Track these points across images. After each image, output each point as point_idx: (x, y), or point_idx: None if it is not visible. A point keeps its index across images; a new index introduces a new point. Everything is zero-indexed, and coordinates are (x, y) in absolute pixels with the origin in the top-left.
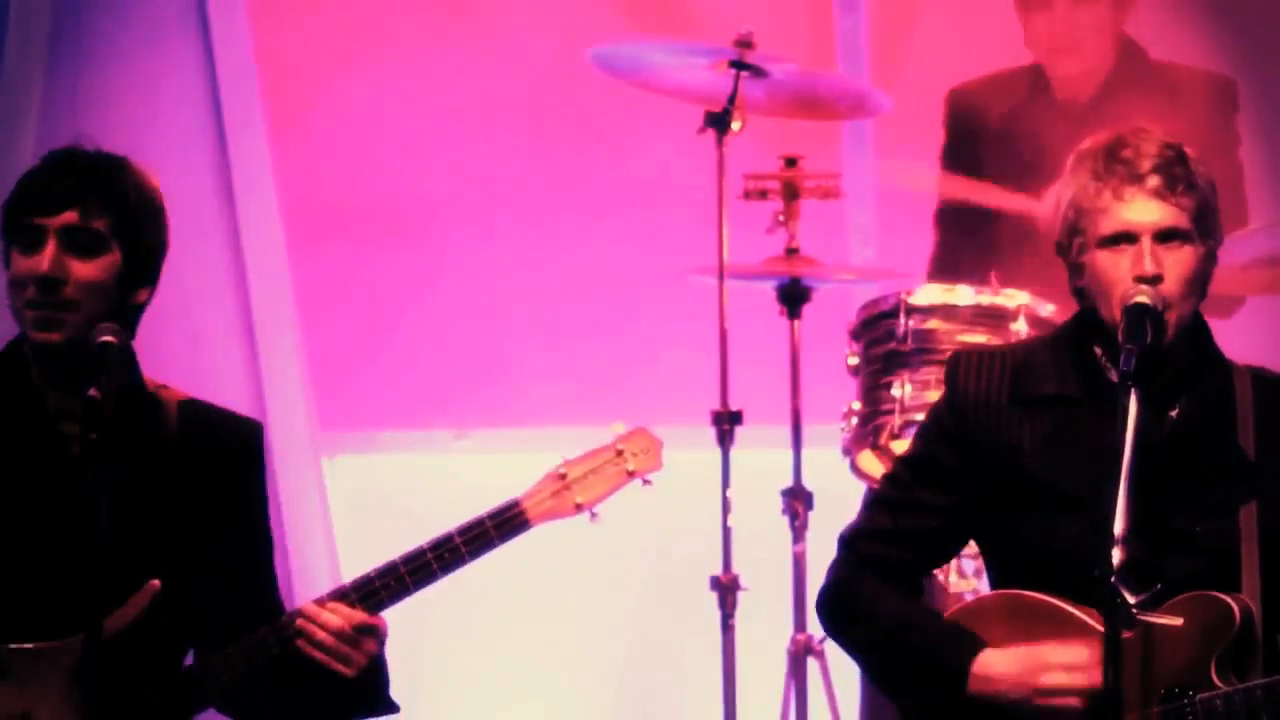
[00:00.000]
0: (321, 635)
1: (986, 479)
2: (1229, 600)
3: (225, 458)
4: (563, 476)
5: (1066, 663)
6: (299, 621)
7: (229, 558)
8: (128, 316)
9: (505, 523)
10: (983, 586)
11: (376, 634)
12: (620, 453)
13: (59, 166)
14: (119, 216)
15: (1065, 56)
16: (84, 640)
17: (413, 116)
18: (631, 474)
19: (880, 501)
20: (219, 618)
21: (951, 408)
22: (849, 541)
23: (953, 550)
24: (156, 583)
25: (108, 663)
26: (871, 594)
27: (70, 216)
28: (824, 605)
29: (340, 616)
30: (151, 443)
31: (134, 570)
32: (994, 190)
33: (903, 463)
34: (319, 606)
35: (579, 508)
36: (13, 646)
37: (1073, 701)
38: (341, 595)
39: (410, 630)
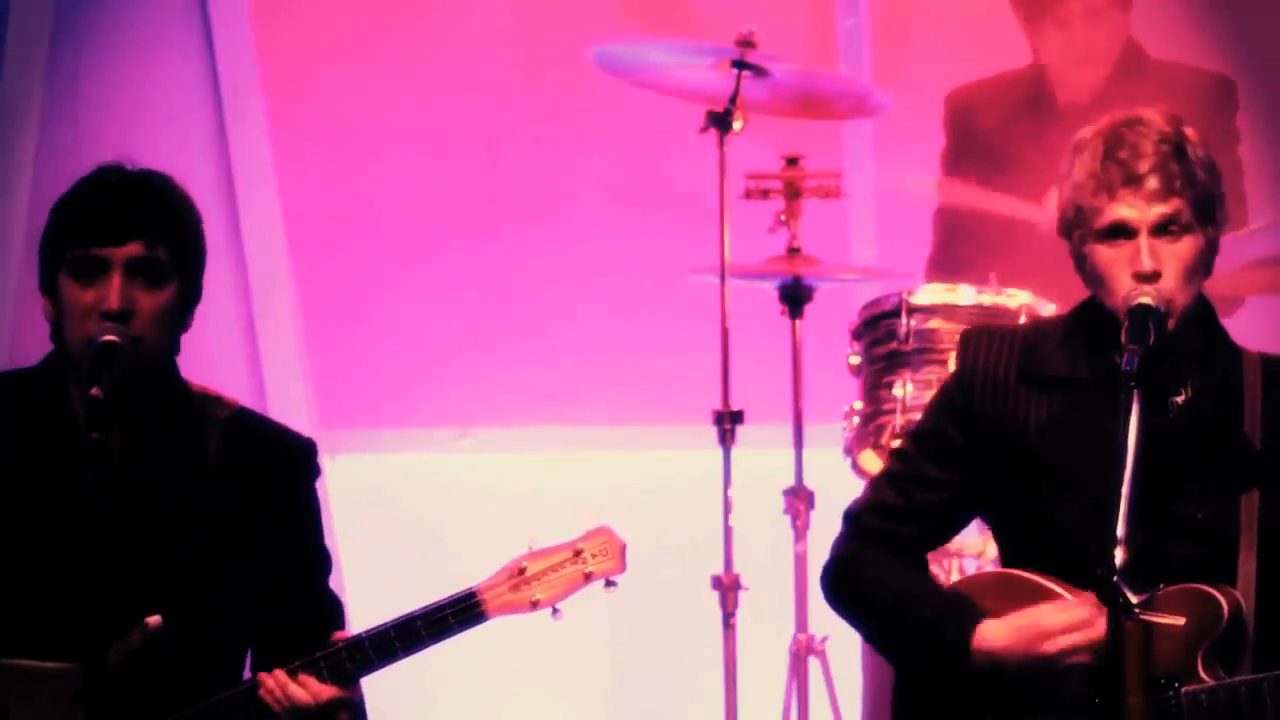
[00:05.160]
0: (287, 706)
1: (992, 456)
2: (1219, 595)
3: (269, 476)
4: (522, 570)
5: (1065, 623)
6: (262, 692)
7: (273, 580)
8: (179, 339)
9: (463, 612)
10: None
11: (347, 706)
12: (579, 553)
13: (115, 192)
14: (178, 244)
15: (1079, 68)
16: (84, 669)
17: (415, 116)
18: (589, 576)
19: (887, 477)
20: (268, 640)
21: (960, 383)
22: (854, 517)
23: (959, 525)
24: (157, 619)
25: (101, 696)
26: (875, 568)
27: (135, 248)
28: (827, 579)
29: (308, 691)
30: (191, 460)
31: (159, 593)
32: (996, 197)
33: (911, 438)
34: (288, 678)
35: (535, 605)
36: (18, 663)
37: (1081, 659)
38: (311, 665)
39: None
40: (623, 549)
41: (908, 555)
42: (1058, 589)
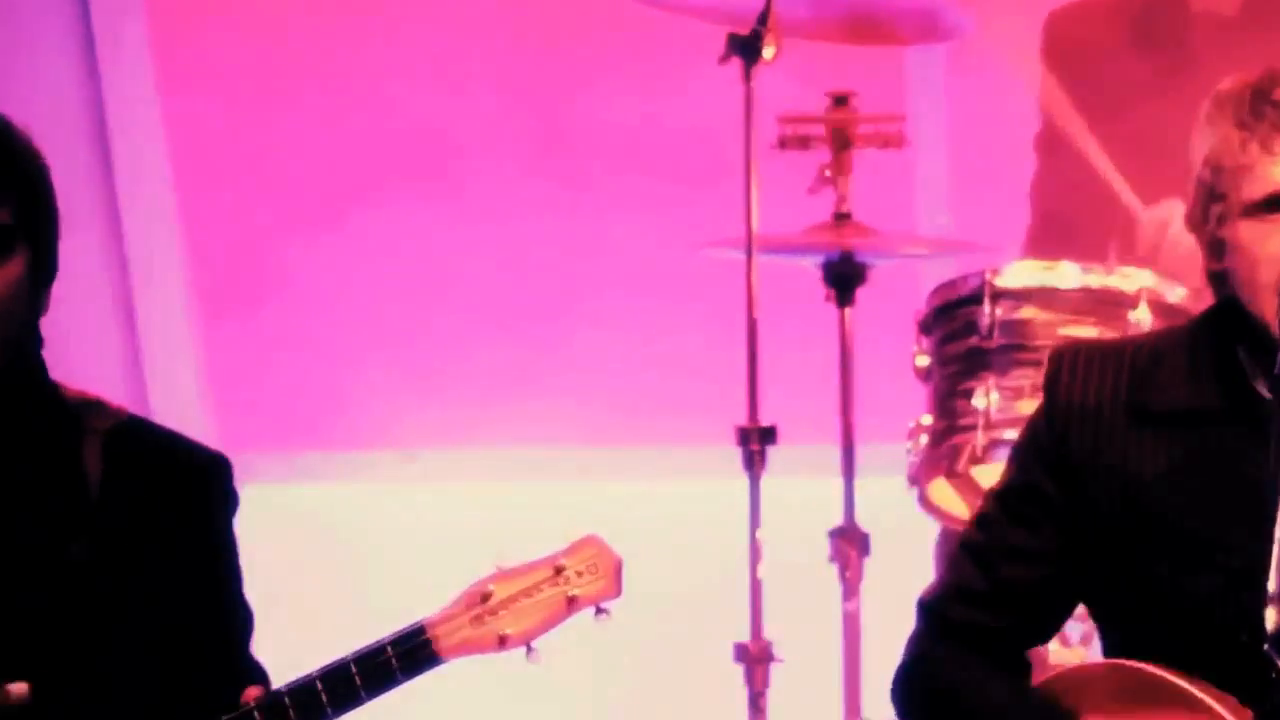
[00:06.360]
0: None
1: (1096, 515)
2: None
3: (167, 504)
4: (486, 597)
5: None
6: None
7: (176, 639)
8: (36, 325)
9: (408, 654)
10: (1092, 658)
11: None
12: (560, 570)
13: None
14: (25, 204)
15: None
16: None
17: (348, 46)
18: (573, 602)
19: (967, 551)
20: (178, 702)
21: (1050, 423)
22: (929, 606)
23: (1065, 609)
24: (22, 687)
25: None
26: (956, 673)
27: None
28: (899, 689)
29: None
30: (63, 484)
31: (23, 654)
32: (1103, 161)
33: (994, 498)
34: None
35: (503, 642)
36: None
37: None
38: None
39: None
40: (617, 566)
41: (1000, 653)
42: (1196, 691)
